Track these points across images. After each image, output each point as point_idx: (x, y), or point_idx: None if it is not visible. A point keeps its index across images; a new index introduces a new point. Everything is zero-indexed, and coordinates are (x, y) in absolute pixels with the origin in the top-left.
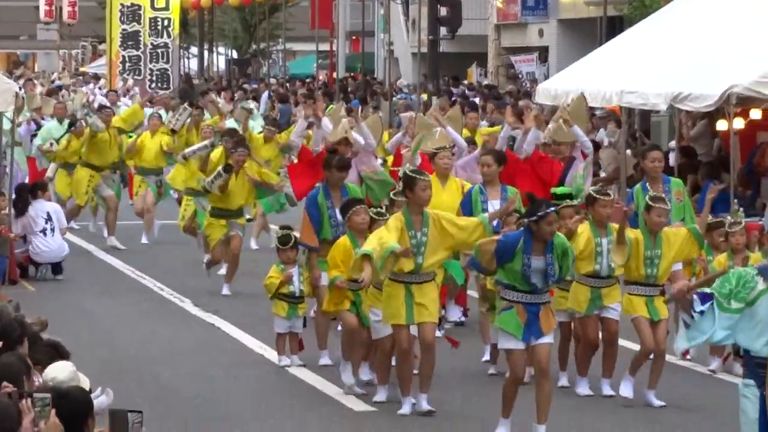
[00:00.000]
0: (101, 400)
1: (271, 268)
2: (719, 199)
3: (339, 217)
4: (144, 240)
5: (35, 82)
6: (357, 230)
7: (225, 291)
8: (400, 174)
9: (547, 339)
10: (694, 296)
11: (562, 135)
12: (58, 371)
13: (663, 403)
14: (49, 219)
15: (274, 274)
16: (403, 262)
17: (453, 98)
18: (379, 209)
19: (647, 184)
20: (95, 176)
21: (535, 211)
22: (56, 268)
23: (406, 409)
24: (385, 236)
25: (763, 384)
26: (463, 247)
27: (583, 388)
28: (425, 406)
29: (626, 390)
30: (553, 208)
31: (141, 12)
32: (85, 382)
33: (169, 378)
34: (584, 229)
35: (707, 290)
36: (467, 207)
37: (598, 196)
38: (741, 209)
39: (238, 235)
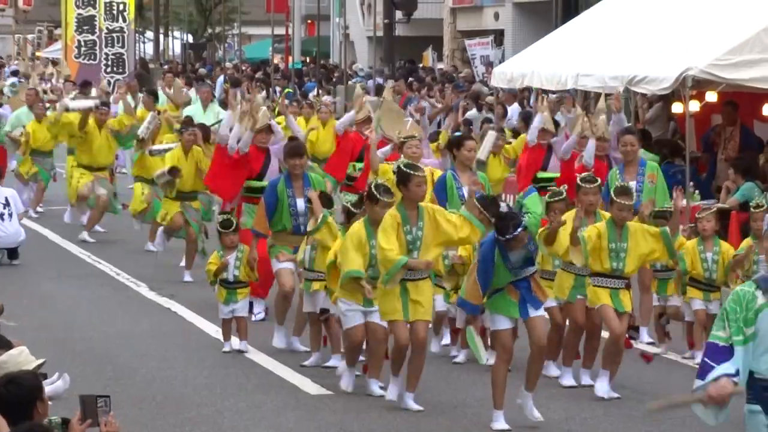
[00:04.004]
0: (58, 385)
1: (213, 254)
2: (675, 181)
3: (300, 206)
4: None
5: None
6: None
7: (187, 278)
8: (393, 168)
9: (542, 311)
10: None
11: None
12: (8, 358)
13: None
14: (6, 204)
15: (213, 260)
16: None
17: (409, 81)
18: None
19: (624, 166)
20: (86, 175)
21: (504, 232)
22: (12, 253)
23: (392, 394)
24: (386, 246)
25: None
26: (451, 243)
27: (568, 378)
28: (413, 405)
29: (602, 389)
30: (519, 229)
31: None
32: (34, 363)
33: (127, 361)
34: (567, 218)
35: (712, 341)
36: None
37: (583, 184)
38: (697, 192)
39: (193, 218)
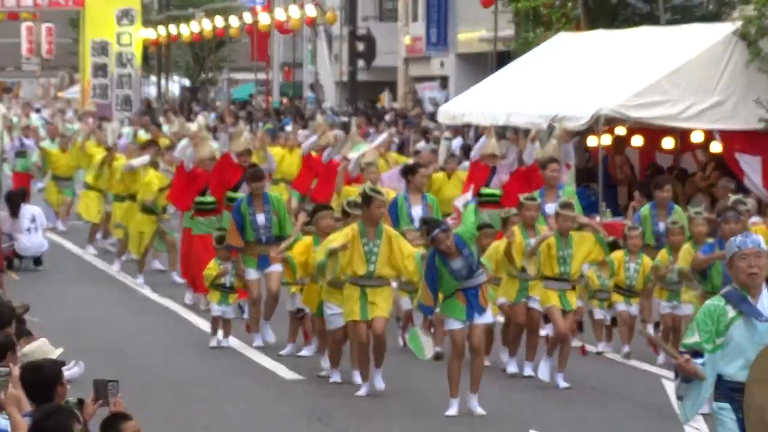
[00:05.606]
0: (74, 371)
1: (211, 261)
2: (591, 201)
3: (260, 221)
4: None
5: (30, 105)
6: (322, 232)
7: (176, 278)
8: (360, 191)
9: (484, 319)
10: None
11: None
12: (35, 348)
13: (568, 385)
14: (33, 220)
15: (212, 266)
16: (356, 266)
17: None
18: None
19: (545, 190)
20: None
21: (428, 233)
22: (37, 260)
23: (363, 391)
24: (330, 241)
25: (739, 407)
26: (401, 270)
27: (512, 367)
28: (379, 383)
29: (543, 373)
30: (438, 230)
31: (109, 47)
32: (55, 353)
33: (133, 351)
34: (516, 232)
35: (683, 350)
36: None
37: (525, 202)
38: (609, 210)
39: (169, 226)
